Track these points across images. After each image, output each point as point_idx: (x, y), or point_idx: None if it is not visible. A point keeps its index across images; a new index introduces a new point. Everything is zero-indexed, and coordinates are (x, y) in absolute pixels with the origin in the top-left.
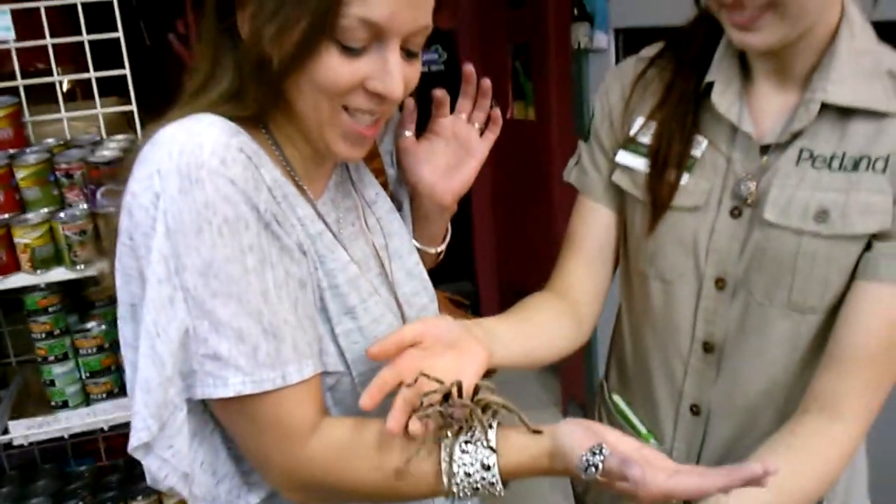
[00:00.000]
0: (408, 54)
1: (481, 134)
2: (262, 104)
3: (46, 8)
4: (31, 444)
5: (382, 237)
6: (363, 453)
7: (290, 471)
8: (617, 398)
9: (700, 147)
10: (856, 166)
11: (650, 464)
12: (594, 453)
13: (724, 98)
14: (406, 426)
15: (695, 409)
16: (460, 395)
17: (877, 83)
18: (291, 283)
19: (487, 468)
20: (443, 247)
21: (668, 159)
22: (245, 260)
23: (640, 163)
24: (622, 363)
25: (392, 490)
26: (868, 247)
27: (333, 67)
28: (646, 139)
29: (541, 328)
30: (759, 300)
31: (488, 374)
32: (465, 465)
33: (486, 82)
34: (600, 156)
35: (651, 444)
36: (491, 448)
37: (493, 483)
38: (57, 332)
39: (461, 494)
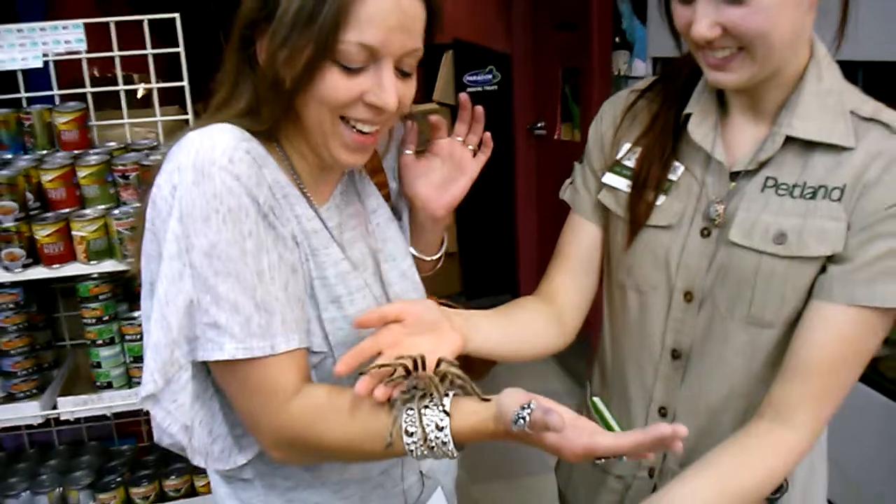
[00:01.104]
0: (402, 74)
1: (474, 155)
2: (275, 119)
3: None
4: (77, 420)
5: (380, 241)
6: (337, 413)
7: (276, 428)
8: (597, 399)
9: (677, 172)
10: (814, 195)
11: (575, 426)
12: (523, 408)
13: (699, 129)
14: (372, 392)
15: (663, 412)
16: (424, 367)
17: (839, 120)
18: (284, 268)
19: (441, 429)
20: (437, 255)
21: (648, 181)
22: (244, 244)
23: (623, 184)
24: (603, 367)
25: (360, 448)
26: (824, 269)
27: (335, 85)
28: (630, 163)
29: (520, 325)
30: (722, 313)
31: (487, 366)
32: (421, 425)
33: (479, 109)
34: (590, 177)
35: None
36: (445, 411)
37: (445, 442)
38: (106, 318)
39: (417, 453)
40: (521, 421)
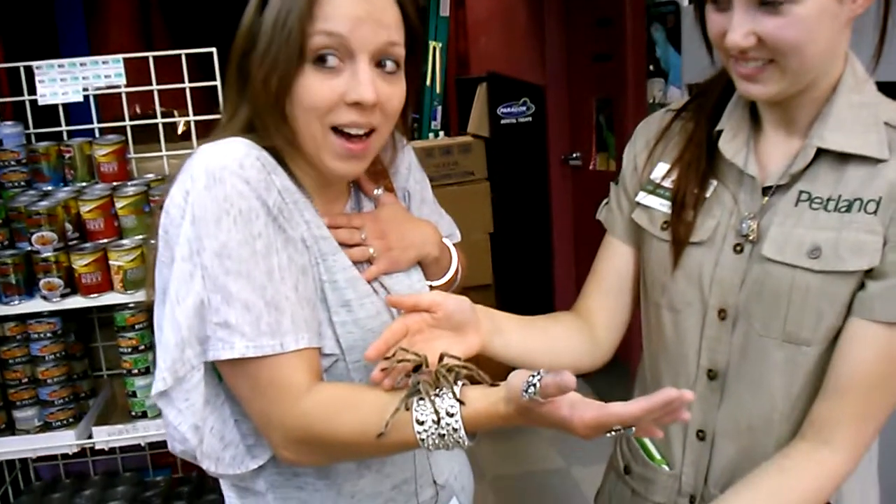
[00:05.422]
0: (385, 73)
1: None
2: (273, 133)
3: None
4: (112, 450)
5: None
6: (349, 408)
7: (287, 427)
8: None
9: (711, 188)
10: (849, 208)
11: (584, 400)
12: (532, 377)
13: (731, 145)
14: (384, 381)
15: (700, 435)
16: (427, 365)
17: (872, 132)
18: (294, 268)
19: (451, 415)
20: (442, 281)
21: (686, 201)
22: (254, 244)
23: (658, 203)
24: (643, 390)
25: (373, 442)
26: (862, 286)
27: (315, 87)
28: (666, 183)
29: (547, 336)
30: (757, 331)
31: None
32: (432, 413)
33: None
34: (624, 198)
35: (664, 468)
36: (455, 398)
37: (456, 429)
38: (142, 347)
39: (430, 443)
40: (532, 388)
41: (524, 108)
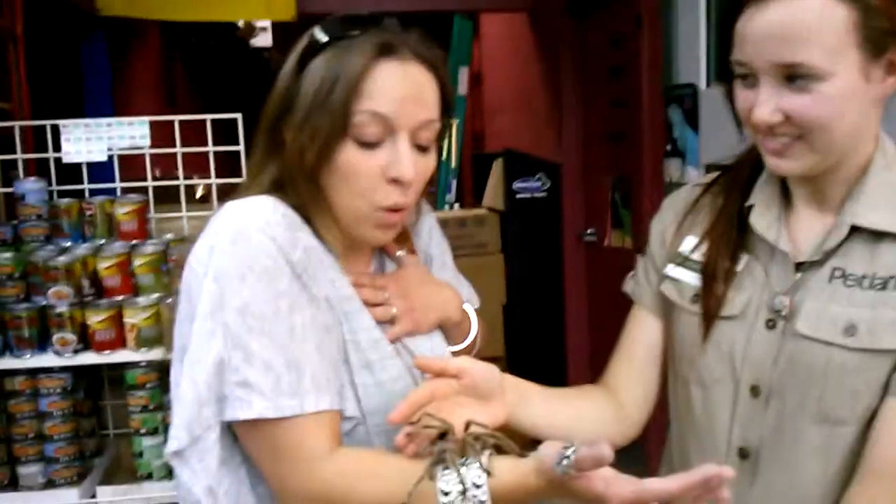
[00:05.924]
0: (420, 149)
1: None
2: (303, 197)
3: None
4: None
5: None
6: (371, 476)
7: (305, 493)
8: None
9: (742, 262)
10: (884, 285)
11: (618, 476)
12: (566, 448)
13: (762, 219)
14: (407, 447)
15: None
16: (453, 433)
17: None
18: (317, 328)
19: (478, 486)
20: (463, 345)
21: (716, 274)
22: (278, 302)
23: (687, 276)
24: (671, 470)
25: None
26: None
27: (354, 161)
28: (696, 256)
29: (574, 410)
30: (791, 409)
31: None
32: (458, 484)
33: None
34: (652, 270)
35: None
36: (482, 469)
37: (483, 501)
38: (152, 406)
39: None
40: (566, 461)
41: (539, 184)
